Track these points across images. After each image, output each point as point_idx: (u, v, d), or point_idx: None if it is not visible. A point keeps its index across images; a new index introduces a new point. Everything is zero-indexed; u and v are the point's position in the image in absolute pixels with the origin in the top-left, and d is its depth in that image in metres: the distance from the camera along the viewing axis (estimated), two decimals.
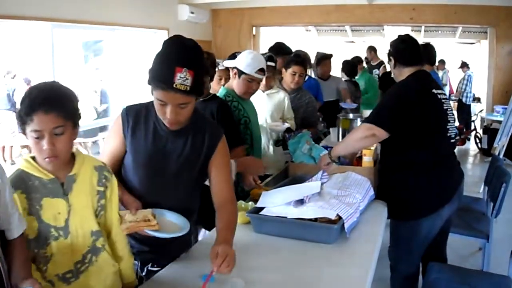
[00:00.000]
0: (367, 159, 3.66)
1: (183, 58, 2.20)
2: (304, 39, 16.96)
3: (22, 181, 2.02)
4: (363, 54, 10.91)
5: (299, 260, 2.55)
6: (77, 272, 2.08)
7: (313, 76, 7.14)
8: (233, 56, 3.93)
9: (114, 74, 8.61)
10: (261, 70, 3.77)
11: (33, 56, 7.25)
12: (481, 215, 4.38)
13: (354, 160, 3.82)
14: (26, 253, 1.94)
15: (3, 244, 1.84)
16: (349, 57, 8.81)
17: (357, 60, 9.01)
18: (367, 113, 5.66)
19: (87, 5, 7.01)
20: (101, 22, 7.48)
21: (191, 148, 2.46)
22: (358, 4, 10.25)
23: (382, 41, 16.28)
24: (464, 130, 11.22)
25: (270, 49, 5.46)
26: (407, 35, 3.58)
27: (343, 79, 7.61)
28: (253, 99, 4.04)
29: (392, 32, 15.37)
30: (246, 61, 3.70)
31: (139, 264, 2.52)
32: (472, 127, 12.00)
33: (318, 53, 7.17)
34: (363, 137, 3.31)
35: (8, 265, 1.83)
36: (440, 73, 14.01)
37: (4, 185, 1.82)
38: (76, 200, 2.10)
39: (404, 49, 3.47)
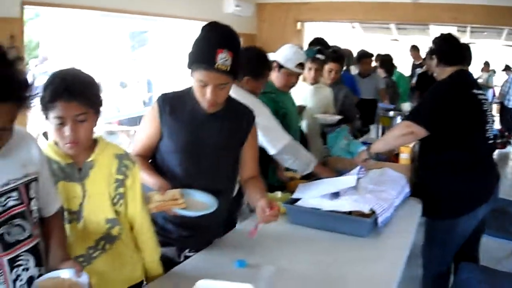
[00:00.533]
0: (404, 156, 3.71)
1: (223, 40, 2.36)
2: (349, 36, 16.95)
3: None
4: (407, 53, 10.88)
5: (331, 251, 2.62)
6: (89, 258, 2.12)
7: (352, 72, 7.18)
8: None
9: (158, 64, 8.77)
10: (300, 65, 3.84)
11: (80, 44, 7.40)
12: None
13: (391, 156, 3.87)
14: (63, 230, 2.01)
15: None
16: (393, 56, 8.81)
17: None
18: (406, 106, 5.79)
19: None
20: (147, 12, 7.58)
21: (228, 132, 2.59)
22: (401, 2, 10.22)
23: (427, 40, 16.16)
24: (506, 133, 11.10)
25: (310, 44, 5.51)
26: (450, 34, 3.60)
27: (382, 76, 7.63)
28: (300, 91, 4.14)
29: (438, 32, 15.27)
30: (286, 55, 3.78)
31: (176, 250, 2.61)
32: None
33: (360, 50, 7.22)
34: (401, 135, 3.36)
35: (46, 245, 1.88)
36: (485, 75, 13.87)
37: (43, 159, 1.91)
38: (92, 186, 2.15)
39: (448, 48, 3.50)
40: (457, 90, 3.35)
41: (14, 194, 1.72)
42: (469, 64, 3.72)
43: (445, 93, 3.36)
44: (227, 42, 2.37)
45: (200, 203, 2.43)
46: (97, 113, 2.09)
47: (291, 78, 3.86)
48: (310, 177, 3.44)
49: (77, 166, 2.13)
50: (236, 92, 2.80)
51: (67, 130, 1.99)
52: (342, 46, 6.46)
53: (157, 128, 2.55)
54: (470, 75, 3.58)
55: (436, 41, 3.58)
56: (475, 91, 3.40)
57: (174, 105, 2.54)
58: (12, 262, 1.71)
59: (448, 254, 3.55)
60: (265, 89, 3.75)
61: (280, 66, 3.79)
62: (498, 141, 10.01)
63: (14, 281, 1.72)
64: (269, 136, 3.27)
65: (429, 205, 3.48)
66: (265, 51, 3.49)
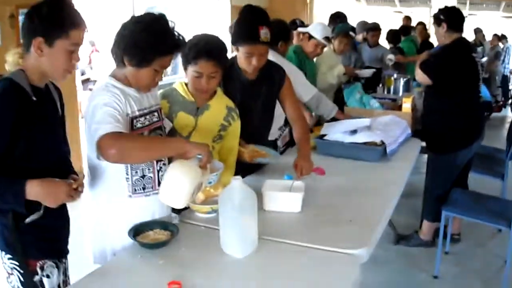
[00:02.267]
0: (406, 106, 4.58)
1: (262, 18, 2.95)
2: (353, 8, 17.61)
3: (170, 95, 2.83)
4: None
5: (351, 172, 3.40)
6: None
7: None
8: (293, 22, 5.14)
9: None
10: (326, 38, 4.83)
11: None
12: (500, 161, 5.24)
13: (396, 107, 4.76)
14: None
15: None
16: (396, 27, 9.52)
17: (402, 29, 9.74)
18: (390, 57, 6.81)
19: None
20: None
21: (269, 89, 3.27)
22: None
23: (429, 12, 16.85)
24: (502, 98, 11.96)
25: (331, 17, 6.49)
26: (455, 6, 4.57)
27: (388, 47, 8.40)
28: (330, 58, 5.29)
29: (439, 4, 15.96)
30: (317, 29, 4.78)
31: None
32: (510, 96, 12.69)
33: (371, 23, 7.98)
34: (420, 77, 4.39)
35: None
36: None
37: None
38: (202, 122, 2.81)
39: (456, 17, 4.35)
40: (462, 53, 4.29)
41: (156, 114, 2.46)
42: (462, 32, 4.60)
43: (452, 54, 4.27)
44: (265, 19, 2.95)
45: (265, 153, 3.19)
46: (223, 70, 2.77)
47: (318, 48, 4.88)
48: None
49: (196, 105, 2.82)
50: (273, 56, 3.61)
51: (203, 82, 2.69)
52: (350, 18, 7.19)
53: None
54: (469, 42, 4.51)
55: (445, 10, 4.41)
56: (474, 54, 4.35)
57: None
58: None
59: (448, 182, 4.43)
60: (296, 50, 4.66)
61: (310, 37, 4.75)
62: (494, 105, 10.88)
63: (158, 171, 2.40)
64: (300, 87, 4.12)
65: (434, 143, 4.47)
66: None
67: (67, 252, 2.38)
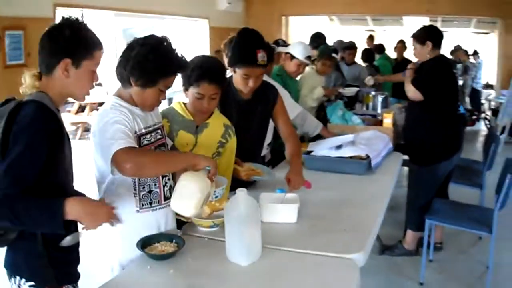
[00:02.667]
0: (387, 121, 4.76)
1: (260, 42, 3.11)
2: (327, 28, 17.91)
3: (169, 114, 2.93)
4: (383, 42, 11.78)
5: (338, 185, 3.55)
6: None
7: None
8: (275, 43, 5.23)
9: None
10: (308, 57, 4.99)
11: None
12: (478, 172, 5.45)
13: (378, 122, 4.94)
14: None
15: None
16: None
17: (376, 47, 10.02)
18: (370, 80, 7.07)
19: None
20: (152, 11, 8.40)
21: (264, 108, 3.44)
22: None
23: (401, 30, 17.19)
24: (475, 112, 12.25)
25: (312, 38, 6.71)
26: (434, 26, 4.92)
27: (364, 65, 8.62)
28: (314, 80, 5.42)
29: (411, 22, 16.32)
30: (298, 49, 4.91)
31: None
32: (482, 110, 13.02)
33: (348, 42, 8.21)
34: (410, 89, 4.52)
35: None
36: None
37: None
38: (202, 140, 2.94)
39: (439, 36, 4.59)
40: (446, 69, 4.54)
41: (159, 131, 2.59)
42: None
43: (439, 70, 4.49)
44: (262, 42, 3.13)
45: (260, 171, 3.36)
46: (222, 91, 2.91)
47: (300, 67, 5.02)
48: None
49: (196, 123, 2.94)
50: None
51: (204, 103, 2.83)
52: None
53: None
54: (448, 58, 4.77)
55: (429, 30, 4.65)
56: (454, 70, 4.53)
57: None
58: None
59: (430, 193, 4.64)
60: (278, 73, 4.82)
61: (292, 57, 4.88)
62: (467, 119, 11.16)
63: (164, 186, 2.54)
64: (286, 107, 4.28)
65: (417, 156, 4.67)
66: None
67: (79, 274, 2.37)
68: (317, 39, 6.58)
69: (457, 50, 14.06)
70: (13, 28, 5.47)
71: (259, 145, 3.65)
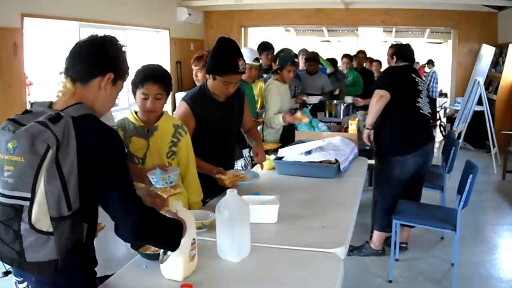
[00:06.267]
0: (352, 127, 4.95)
1: (238, 51, 3.39)
2: (284, 39, 18.23)
3: (123, 124, 3.07)
4: (337, 53, 11.94)
5: (309, 189, 3.69)
6: None
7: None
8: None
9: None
10: (256, 59, 5.33)
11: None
12: (438, 175, 5.71)
13: (342, 129, 5.14)
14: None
15: None
16: (324, 55, 9.64)
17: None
18: (348, 99, 7.21)
19: (103, 6, 8.15)
20: (116, 22, 8.57)
21: (238, 109, 3.71)
22: (336, 8, 11.52)
23: (356, 40, 17.61)
24: (431, 120, 12.60)
25: (259, 47, 6.89)
26: (405, 44, 5.35)
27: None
28: (280, 89, 5.52)
29: (366, 32, 16.75)
30: (245, 54, 4.97)
31: None
32: (438, 118, 13.42)
33: (310, 53, 8.39)
34: (377, 101, 4.76)
35: None
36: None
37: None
38: (153, 142, 3.04)
39: (404, 51, 5.09)
40: (401, 72, 4.88)
41: None
42: (413, 62, 5.16)
43: (394, 73, 4.91)
44: (240, 51, 3.40)
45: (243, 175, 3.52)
46: (168, 94, 3.03)
47: (251, 70, 5.28)
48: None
49: (146, 127, 3.05)
50: None
51: (149, 103, 2.95)
52: (279, 47, 7.27)
53: (194, 124, 3.43)
54: (411, 67, 5.07)
55: (394, 48, 5.18)
56: (413, 75, 4.88)
57: (200, 103, 3.42)
58: None
59: (395, 193, 4.88)
60: None
61: None
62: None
63: None
64: None
65: (381, 151, 4.94)
66: None
67: None
68: (266, 49, 6.88)
69: (428, 63, 14.56)
70: None
71: (239, 140, 4.03)
